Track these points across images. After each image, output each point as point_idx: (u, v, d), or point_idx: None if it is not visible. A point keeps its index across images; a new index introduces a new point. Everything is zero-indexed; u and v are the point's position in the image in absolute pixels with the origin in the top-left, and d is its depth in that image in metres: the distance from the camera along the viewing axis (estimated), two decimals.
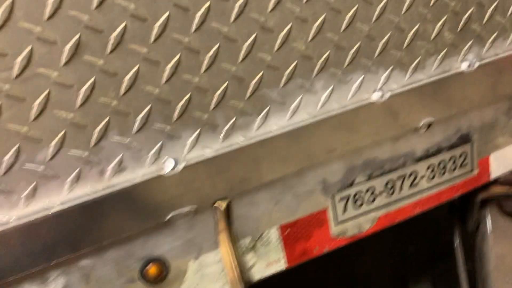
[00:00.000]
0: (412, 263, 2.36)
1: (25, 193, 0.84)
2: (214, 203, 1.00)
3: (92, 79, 0.82)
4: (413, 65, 1.11)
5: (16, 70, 0.77)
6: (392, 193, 1.21)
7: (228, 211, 1.01)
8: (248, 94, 0.96)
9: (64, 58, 0.79)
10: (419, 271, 2.29)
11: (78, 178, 0.87)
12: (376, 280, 2.36)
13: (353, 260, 2.20)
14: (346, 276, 2.30)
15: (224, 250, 1.03)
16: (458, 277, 1.94)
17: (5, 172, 0.81)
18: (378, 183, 1.19)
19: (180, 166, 0.92)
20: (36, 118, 0.81)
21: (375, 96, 1.08)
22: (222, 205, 1.00)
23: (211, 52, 0.89)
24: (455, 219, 1.60)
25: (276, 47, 0.95)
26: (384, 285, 2.35)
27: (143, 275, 0.99)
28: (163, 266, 1.00)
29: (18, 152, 0.81)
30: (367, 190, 1.18)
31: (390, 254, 2.38)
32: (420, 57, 1.11)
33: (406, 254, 2.41)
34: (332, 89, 1.04)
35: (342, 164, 1.12)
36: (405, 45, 1.08)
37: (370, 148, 1.13)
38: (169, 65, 0.87)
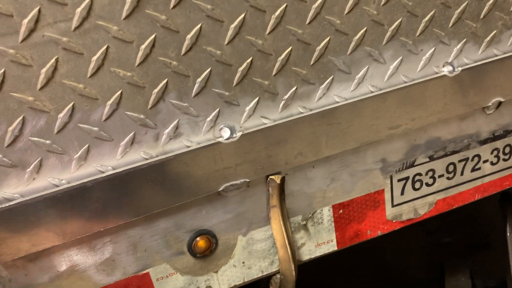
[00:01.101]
0: (449, 252, 2.30)
1: (77, 155, 0.80)
2: (268, 177, 0.94)
3: (153, 36, 0.77)
4: (488, 38, 1.02)
5: (75, 21, 0.72)
6: (453, 176, 1.14)
7: (282, 186, 0.96)
8: (312, 61, 0.89)
9: (125, 11, 0.74)
10: (457, 260, 2.22)
11: (132, 142, 0.82)
12: (411, 267, 2.30)
13: (386, 246, 2.15)
14: (380, 262, 2.25)
15: (276, 226, 0.98)
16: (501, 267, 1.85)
17: (58, 131, 0.77)
18: (439, 165, 1.11)
19: (238, 134, 0.87)
20: (93, 74, 0.76)
21: (446, 70, 0.99)
22: (277, 179, 0.94)
23: (278, 12, 0.82)
24: (508, 209, 1.51)
25: (346, 10, 0.87)
26: (420, 273, 2.28)
27: (191, 247, 0.94)
28: (212, 239, 0.96)
29: (72, 110, 0.77)
30: (427, 172, 1.10)
31: (426, 242, 2.32)
32: (496, 30, 1.02)
33: (442, 243, 2.35)
34: (401, 60, 0.96)
35: (404, 142, 1.04)
36: (482, 15, 0.98)
37: (434, 127, 1.06)
38: (233, 25, 0.81)
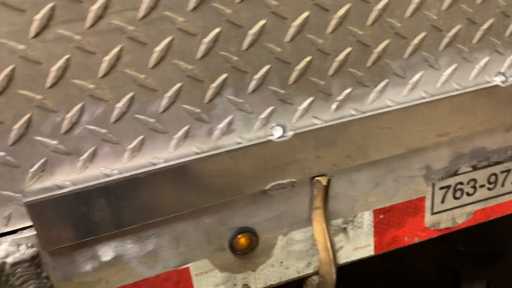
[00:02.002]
0: (464, 260, 2.29)
1: (131, 145, 0.79)
2: (314, 178, 0.93)
3: (217, 30, 0.75)
4: None
5: (143, 10, 0.70)
6: (494, 187, 1.12)
7: (327, 188, 0.95)
8: (369, 63, 0.87)
9: (192, 2, 0.72)
10: (473, 269, 2.20)
11: (186, 135, 0.81)
12: (424, 274, 2.29)
13: (400, 252, 2.14)
14: (393, 268, 2.24)
15: (318, 228, 0.97)
16: None
17: (115, 121, 0.76)
18: (481, 176, 1.09)
19: (290, 134, 0.86)
20: (155, 65, 0.74)
21: (498, 80, 0.98)
22: (323, 181, 0.93)
23: (341, 12, 0.81)
24: None
25: (408, 13, 0.85)
26: (434, 280, 2.27)
27: (232, 244, 0.93)
28: (253, 238, 0.95)
29: (131, 101, 0.76)
30: (469, 182, 1.09)
31: (440, 249, 2.31)
32: None
33: (457, 251, 2.33)
34: (456, 68, 0.94)
35: (449, 150, 1.03)
36: None
37: (480, 136, 1.04)
38: (296, 22, 0.79)
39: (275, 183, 0.89)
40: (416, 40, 0.88)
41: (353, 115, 0.90)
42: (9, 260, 0.76)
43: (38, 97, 0.71)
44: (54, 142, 0.74)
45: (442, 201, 1.09)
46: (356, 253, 1.06)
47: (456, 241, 2.38)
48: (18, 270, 0.77)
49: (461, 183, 1.08)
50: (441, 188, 1.07)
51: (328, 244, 0.95)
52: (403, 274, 2.27)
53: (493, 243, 2.28)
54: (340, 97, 0.88)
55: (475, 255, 2.29)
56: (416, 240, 1.11)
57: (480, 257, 2.27)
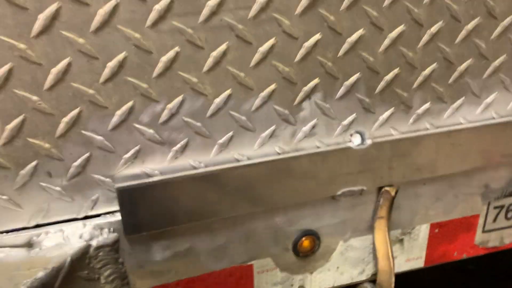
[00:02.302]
0: (473, 280, 2.30)
1: (221, 140, 0.80)
2: (382, 188, 0.95)
3: (318, 35, 0.77)
4: None
5: (254, 10, 0.72)
6: None
7: (393, 199, 0.96)
8: (451, 80, 0.89)
9: (300, 7, 0.74)
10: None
11: (271, 135, 0.83)
12: None
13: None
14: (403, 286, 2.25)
15: (380, 237, 0.98)
16: None
17: (211, 115, 0.78)
18: None
19: (369, 141, 0.87)
20: (256, 65, 0.76)
21: None
22: (392, 191, 0.94)
23: (434, 28, 0.83)
24: None
25: (494, 36, 0.88)
26: None
27: (296, 246, 0.95)
28: (316, 241, 0.96)
29: (229, 97, 0.77)
30: None
31: (448, 267, 2.33)
32: None
33: (466, 269, 2.35)
34: None
35: (508, 172, 1.05)
36: None
37: None
38: (392, 34, 0.81)
39: (346, 189, 0.90)
40: (497, 62, 0.91)
41: (428, 129, 0.92)
42: (94, 243, 0.77)
43: (144, 85, 0.72)
44: (151, 131, 0.75)
45: (494, 220, 1.11)
46: (407, 264, 1.08)
47: (465, 260, 2.40)
48: (100, 254, 0.78)
49: None
50: (496, 207, 1.09)
51: (390, 254, 0.97)
52: None
53: (504, 263, 2.31)
54: (419, 111, 0.90)
55: (484, 275, 2.31)
56: (464, 256, 1.13)
57: (489, 277, 2.29)
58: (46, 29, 0.65)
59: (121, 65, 0.70)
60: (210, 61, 0.73)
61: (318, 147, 0.87)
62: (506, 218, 1.12)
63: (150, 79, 0.72)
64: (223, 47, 0.73)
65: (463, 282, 2.31)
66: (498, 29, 0.87)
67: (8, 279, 0.68)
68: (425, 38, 0.83)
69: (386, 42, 0.81)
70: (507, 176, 1.06)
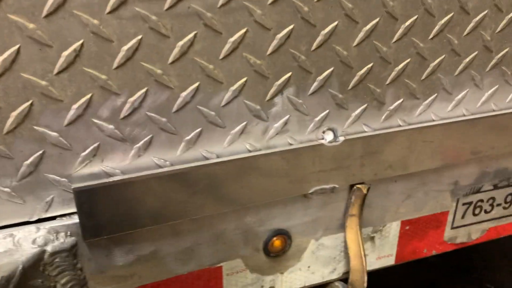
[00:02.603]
0: (438, 272, 2.35)
1: (188, 137, 0.75)
2: (353, 185, 0.93)
3: (291, 26, 0.73)
4: None
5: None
6: (509, 206, 1.16)
7: (365, 196, 0.94)
8: (424, 76, 0.88)
9: None
10: (447, 281, 2.28)
11: (242, 132, 0.79)
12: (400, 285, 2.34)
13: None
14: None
15: (351, 236, 0.96)
16: None
17: (177, 110, 0.72)
18: (500, 195, 1.13)
19: (341, 138, 0.85)
20: (225, 57, 0.71)
21: None
22: (364, 189, 0.92)
23: (408, 22, 0.81)
24: None
25: (466, 32, 0.87)
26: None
27: (267, 246, 0.91)
28: (287, 240, 0.93)
29: (196, 91, 0.72)
30: (488, 200, 1.12)
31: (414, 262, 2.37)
32: None
33: (430, 262, 2.40)
34: (497, 89, 0.96)
35: (477, 168, 1.05)
36: None
37: (505, 158, 1.07)
38: (366, 27, 0.78)
39: (318, 187, 0.87)
40: (468, 58, 0.90)
41: (400, 125, 0.91)
42: (49, 248, 0.71)
43: (103, 77, 0.66)
44: (111, 126, 0.70)
45: (462, 217, 1.11)
46: (378, 261, 1.07)
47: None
48: (56, 260, 0.72)
49: (482, 201, 1.11)
50: (464, 204, 1.09)
51: (362, 252, 0.95)
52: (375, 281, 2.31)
53: (464, 255, 2.37)
54: (392, 107, 0.88)
55: (447, 267, 2.36)
56: (434, 252, 1.13)
57: (449, 269, 2.35)
58: None
59: (77, 55, 0.63)
60: (176, 52, 0.68)
61: (290, 144, 0.83)
62: (474, 214, 1.12)
63: (110, 70, 0.66)
64: (190, 36, 0.68)
65: (425, 273, 2.36)
66: (471, 25, 0.86)
67: None
68: (400, 32, 0.81)
69: (361, 35, 0.79)
70: (475, 173, 1.06)
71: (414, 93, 0.89)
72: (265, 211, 0.88)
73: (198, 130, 0.75)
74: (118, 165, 0.73)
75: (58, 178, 0.70)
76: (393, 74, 0.85)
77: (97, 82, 0.66)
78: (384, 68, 0.84)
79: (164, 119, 0.72)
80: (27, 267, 0.68)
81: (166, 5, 0.65)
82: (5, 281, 0.65)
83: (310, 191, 0.87)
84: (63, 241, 0.72)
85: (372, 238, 1.03)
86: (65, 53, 0.63)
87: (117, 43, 0.65)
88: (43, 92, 0.64)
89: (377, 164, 0.91)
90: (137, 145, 0.72)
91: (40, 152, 0.67)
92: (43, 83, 0.63)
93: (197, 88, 0.72)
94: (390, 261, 1.08)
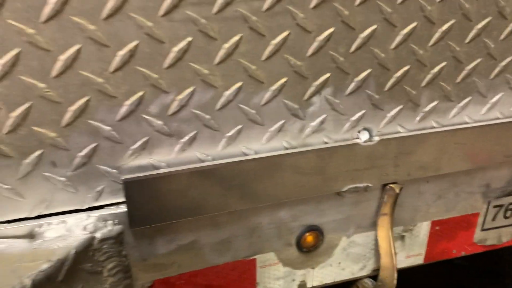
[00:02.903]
0: (463, 275, 2.34)
1: (229, 134, 0.79)
2: (386, 185, 0.95)
3: (332, 29, 0.76)
4: None
5: (269, 1, 0.71)
6: None
7: (397, 196, 0.96)
8: (459, 79, 0.89)
9: (315, 0, 0.73)
10: (472, 284, 2.26)
11: (280, 129, 0.82)
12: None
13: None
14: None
15: (383, 234, 0.98)
16: None
17: (220, 108, 0.76)
18: None
19: (376, 138, 0.87)
20: (267, 58, 0.75)
21: None
22: (397, 188, 0.94)
23: (445, 27, 0.83)
24: None
25: (503, 36, 0.88)
26: None
27: (299, 241, 0.94)
28: (320, 236, 0.96)
29: (239, 90, 0.76)
30: None
31: (440, 264, 2.35)
32: None
33: (456, 264, 2.38)
34: None
35: (509, 171, 1.06)
36: None
37: None
38: (404, 31, 0.81)
39: (352, 185, 0.90)
40: (504, 62, 0.91)
41: (434, 127, 0.92)
42: (98, 235, 0.75)
43: (155, 76, 0.70)
44: (160, 122, 0.74)
45: (493, 219, 1.12)
46: (407, 260, 1.09)
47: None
48: (104, 246, 0.77)
49: None
50: (495, 206, 1.10)
51: (392, 250, 0.97)
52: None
53: (494, 258, 2.34)
54: (426, 109, 0.90)
55: (476, 269, 2.34)
56: (463, 253, 1.14)
57: (475, 272, 2.33)
58: (56, 14, 0.63)
59: (132, 54, 0.68)
60: (222, 53, 0.72)
61: (326, 143, 0.86)
62: (505, 217, 1.13)
63: (161, 69, 0.70)
64: (235, 38, 0.72)
65: (450, 276, 2.34)
66: (508, 30, 0.87)
67: (11, 271, 0.66)
68: (437, 36, 0.83)
69: (398, 38, 0.81)
70: (507, 176, 1.07)
71: (448, 96, 0.90)
72: (299, 207, 0.91)
73: (239, 127, 0.79)
74: (164, 158, 0.77)
75: (109, 169, 0.75)
76: (429, 76, 0.87)
77: (148, 81, 0.70)
78: (420, 71, 0.86)
79: (208, 116, 0.76)
80: (79, 251, 0.73)
81: (215, 9, 0.69)
82: (60, 263, 0.70)
83: (343, 189, 0.90)
84: (111, 228, 0.77)
85: (402, 237, 1.05)
86: (121, 52, 0.67)
87: (168, 44, 0.69)
88: (99, 89, 0.68)
89: (410, 165, 0.92)
90: (183, 140, 0.77)
91: (94, 144, 0.72)
92: (100, 80, 0.68)
93: (239, 88, 0.76)
94: (419, 260, 1.10)
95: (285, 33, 0.74)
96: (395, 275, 0.98)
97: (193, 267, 0.88)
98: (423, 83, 0.87)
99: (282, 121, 0.81)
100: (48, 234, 0.75)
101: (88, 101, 0.69)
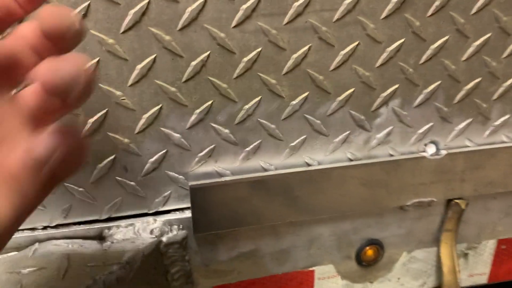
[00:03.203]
0: None
1: (293, 143, 0.79)
2: (451, 200, 0.92)
3: (402, 40, 0.75)
4: None
5: (340, 12, 0.71)
6: None
7: (463, 212, 0.93)
8: None
9: (387, 11, 0.72)
10: None
11: (344, 141, 0.81)
12: None
13: None
14: None
15: (446, 251, 0.95)
16: None
17: (286, 118, 0.77)
18: None
19: (443, 152, 0.84)
20: (336, 68, 0.75)
21: None
22: (462, 204, 0.91)
23: None
24: None
25: None
26: None
27: (359, 254, 0.93)
28: (380, 251, 0.94)
29: (305, 100, 0.76)
30: None
31: None
32: None
33: None
34: None
35: None
36: None
37: None
38: (477, 42, 0.78)
39: (416, 200, 0.88)
40: None
41: (505, 142, 0.89)
42: (164, 239, 0.78)
43: (224, 85, 0.72)
44: (226, 130, 0.75)
45: None
46: (470, 279, 1.04)
47: None
48: (170, 250, 0.78)
49: None
50: None
51: (456, 268, 0.94)
52: None
53: None
54: (497, 123, 0.87)
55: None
56: None
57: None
58: (135, 24, 0.65)
59: (204, 64, 0.70)
60: (290, 63, 0.72)
61: (391, 155, 0.85)
62: None
63: (231, 79, 0.72)
64: (304, 49, 0.72)
65: None
66: None
67: (84, 271, 0.69)
68: (511, 47, 0.80)
69: (470, 50, 0.78)
70: None
71: None
72: (361, 220, 0.90)
73: (303, 137, 0.79)
74: (229, 166, 0.78)
75: (177, 175, 0.77)
76: (501, 89, 0.83)
77: (218, 90, 0.72)
78: (492, 83, 0.83)
79: (273, 126, 0.77)
80: (146, 254, 0.75)
81: (286, 20, 0.70)
82: (130, 266, 0.72)
83: (407, 204, 0.88)
84: (176, 233, 0.79)
85: (465, 255, 1.01)
86: (194, 63, 0.69)
87: (238, 54, 0.70)
88: (172, 97, 0.71)
89: (478, 180, 0.89)
90: (247, 149, 0.77)
91: (164, 151, 0.74)
92: (172, 89, 0.70)
93: (306, 98, 0.76)
94: (482, 279, 1.05)
95: (354, 44, 0.73)
96: None
97: (252, 275, 0.89)
98: (495, 96, 0.84)
99: (347, 132, 0.81)
100: (117, 236, 0.77)
101: (160, 109, 0.71)
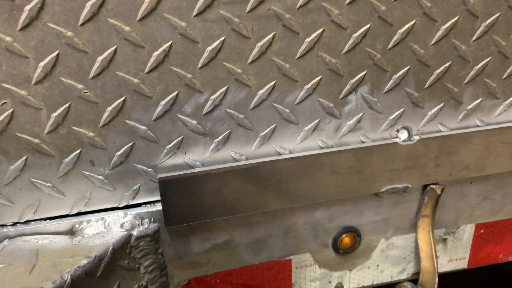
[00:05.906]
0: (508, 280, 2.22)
1: (263, 133, 0.78)
2: (427, 186, 0.91)
3: (368, 26, 0.74)
4: None
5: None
6: None
7: (439, 197, 0.93)
8: (505, 75, 0.85)
9: None
10: None
11: (314, 129, 0.81)
12: None
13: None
14: None
15: (423, 237, 0.95)
16: None
17: (254, 107, 0.76)
18: None
19: (416, 137, 0.84)
20: (301, 56, 0.74)
21: None
22: (438, 189, 0.91)
23: (490, 20, 0.79)
24: None
25: None
26: None
27: (336, 242, 0.93)
28: (357, 238, 0.94)
29: (272, 89, 0.75)
30: None
31: (485, 267, 2.25)
32: None
33: (502, 271, 2.27)
34: None
35: None
36: None
37: None
38: (445, 25, 0.77)
39: (391, 186, 0.87)
40: None
41: (478, 126, 0.88)
42: (135, 232, 0.77)
43: (189, 75, 0.71)
44: (194, 121, 0.74)
45: None
46: (450, 264, 1.04)
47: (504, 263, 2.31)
48: (141, 244, 0.78)
49: None
50: None
51: (434, 254, 0.94)
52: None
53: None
54: (470, 106, 0.86)
55: None
56: (510, 258, 1.08)
57: None
58: (93, 16, 0.64)
59: (166, 55, 0.69)
60: (255, 52, 0.71)
61: (363, 142, 0.84)
62: None
63: (195, 69, 0.71)
64: (269, 37, 0.71)
65: (496, 282, 2.23)
66: None
67: (52, 266, 0.69)
68: (480, 30, 0.79)
69: (439, 34, 0.78)
70: None
71: (494, 93, 0.86)
72: (336, 208, 0.89)
73: (273, 126, 0.78)
74: (198, 157, 0.78)
75: (145, 168, 0.76)
76: (472, 73, 0.83)
77: (183, 81, 0.71)
78: (462, 67, 0.82)
79: (241, 116, 0.76)
80: (116, 248, 0.74)
81: (248, 8, 0.69)
82: (98, 260, 0.72)
83: (382, 190, 0.87)
84: (147, 226, 0.78)
85: (444, 240, 1.01)
86: (156, 53, 0.68)
87: (202, 44, 0.69)
88: (135, 89, 0.70)
89: (453, 165, 0.89)
90: (217, 139, 0.77)
91: (131, 144, 0.73)
92: (135, 80, 0.69)
93: (273, 86, 0.75)
94: (462, 264, 1.05)
95: (319, 30, 0.73)
96: (436, 280, 0.95)
97: (228, 266, 0.88)
98: (466, 80, 0.83)
99: (317, 120, 0.80)
100: (87, 231, 0.77)
101: (124, 101, 0.70)
